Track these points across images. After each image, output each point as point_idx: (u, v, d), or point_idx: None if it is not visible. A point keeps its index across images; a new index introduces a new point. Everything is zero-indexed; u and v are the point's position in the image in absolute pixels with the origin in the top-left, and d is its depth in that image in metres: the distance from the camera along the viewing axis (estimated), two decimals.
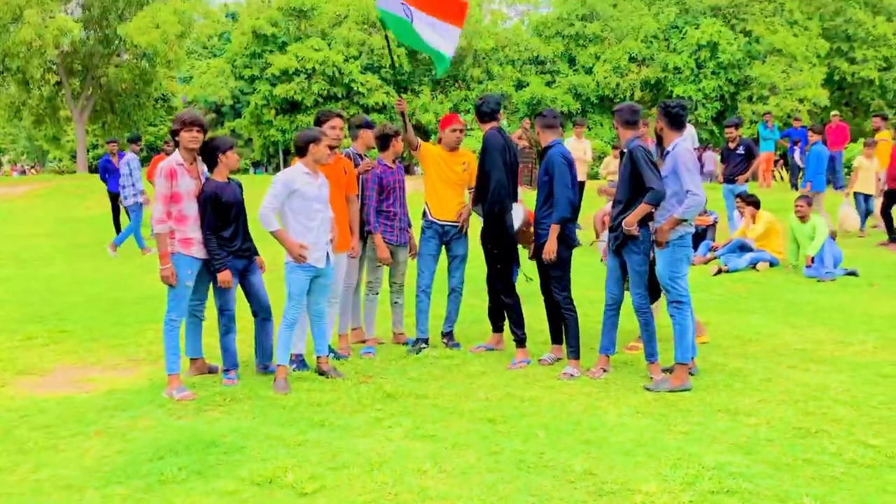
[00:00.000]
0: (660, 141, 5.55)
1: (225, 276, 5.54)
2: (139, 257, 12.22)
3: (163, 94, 36.27)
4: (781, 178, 22.41)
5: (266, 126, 33.43)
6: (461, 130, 6.40)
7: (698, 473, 3.88)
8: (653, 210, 5.38)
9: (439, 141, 6.54)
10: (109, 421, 4.89)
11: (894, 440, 4.32)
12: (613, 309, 5.70)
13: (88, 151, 30.04)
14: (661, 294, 5.84)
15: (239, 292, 5.79)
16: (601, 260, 5.92)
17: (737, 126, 11.76)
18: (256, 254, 5.81)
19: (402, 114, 6.51)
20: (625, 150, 5.50)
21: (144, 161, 24.90)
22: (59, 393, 5.53)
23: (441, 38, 6.53)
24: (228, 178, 5.68)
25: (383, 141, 6.52)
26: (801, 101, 31.55)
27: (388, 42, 7.00)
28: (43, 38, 26.00)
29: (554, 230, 5.73)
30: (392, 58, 6.95)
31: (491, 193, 5.96)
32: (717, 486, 3.75)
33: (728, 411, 4.86)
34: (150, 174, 13.30)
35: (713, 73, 32.27)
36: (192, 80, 48.01)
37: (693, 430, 4.54)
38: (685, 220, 5.36)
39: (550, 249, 5.75)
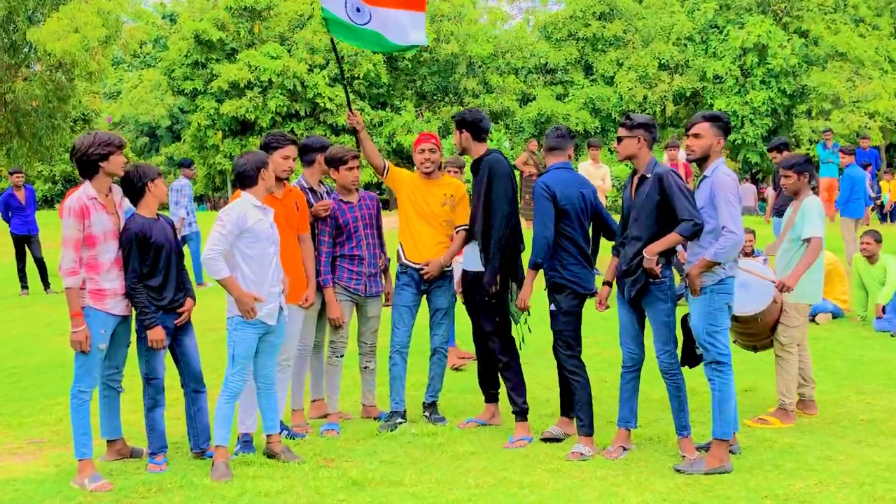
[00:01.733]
0: (700, 161, 5.63)
1: (156, 335, 5.59)
2: (45, 315, 12.21)
3: (83, 114, 36.48)
4: None
5: (211, 151, 33.62)
6: (431, 150, 6.47)
7: None
8: (682, 243, 5.48)
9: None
10: None
11: None
12: (633, 371, 5.75)
13: None
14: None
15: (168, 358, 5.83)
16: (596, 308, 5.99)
17: (781, 149, 11.90)
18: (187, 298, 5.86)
19: (355, 130, 6.60)
20: (647, 175, 5.57)
21: (61, 195, 24.86)
22: None
23: (409, 29, 6.75)
24: (157, 215, 5.75)
25: (326, 161, 6.62)
26: (871, 115, 31.96)
27: (332, 44, 7.22)
28: None
29: (529, 276, 5.87)
30: (337, 55, 7.14)
31: (497, 230, 6.04)
32: None
33: (777, 498, 4.91)
34: (62, 210, 13.44)
35: (762, 82, 32.71)
36: (120, 96, 48.51)
37: None
38: (719, 263, 5.43)
39: (523, 297, 5.91)
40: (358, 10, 6.66)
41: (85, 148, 5.47)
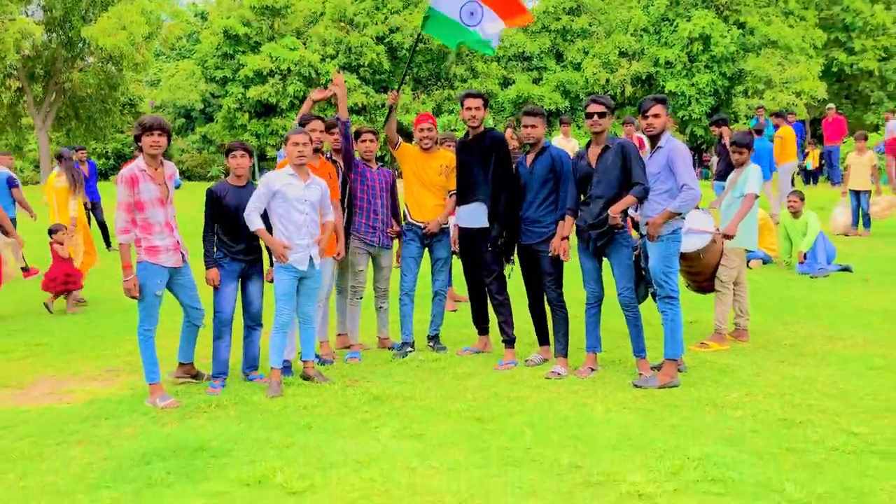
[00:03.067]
0: (653, 138, 5.83)
1: (211, 275, 5.85)
2: (110, 268, 12.37)
3: (130, 99, 36.37)
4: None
5: (240, 130, 33.58)
6: (429, 129, 6.68)
7: (683, 464, 4.16)
8: (636, 204, 5.71)
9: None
10: (92, 430, 5.11)
11: (878, 428, 4.62)
12: (596, 306, 6.01)
13: (52, 161, 30.09)
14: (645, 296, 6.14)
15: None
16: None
17: (720, 123, 12.07)
18: (263, 262, 6.11)
19: (391, 108, 6.77)
20: (609, 146, 5.80)
21: (114, 169, 24.91)
22: (40, 404, 5.74)
23: (490, 29, 6.82)
24: (248, 183, 6.04)
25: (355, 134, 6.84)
26: (797, 94, 32.05)
27: (416, 41, 7.47)
28: (3, 42, 26.12)
29: (569, 222, 6.02)
30: (413, 51, 7.37)
31: (505, 195, 6.24)
32: (702, 475, 4.03)
33: (715, 405, 5.16)
34: None
35: (706, 66, 32.71)
36: (160, 84, 48.13)
37: (680, 423, 4.83)
38: (679, 214, 5.65)
39: (560, 246, 6.00)
40: (472, 13, 6.77)
41: (134, 129, 5.71)
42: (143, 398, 5.66)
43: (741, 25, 33.59)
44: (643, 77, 33.72)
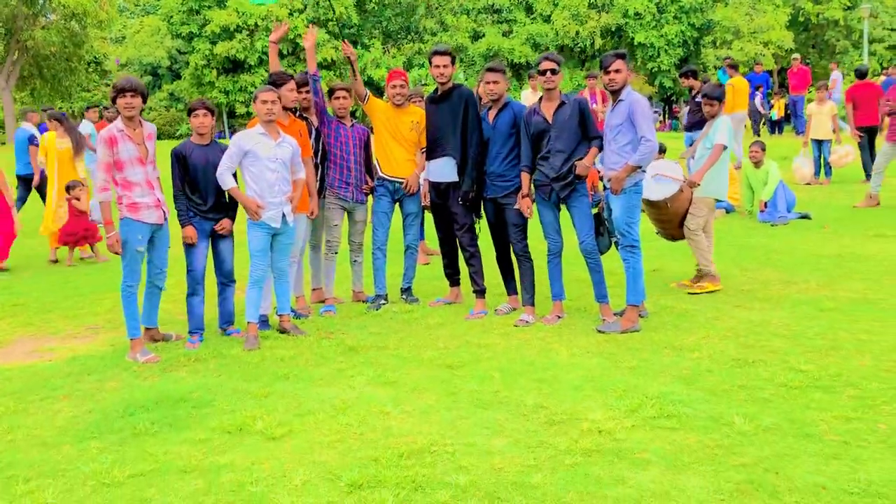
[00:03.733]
0: (614, 92, 6.01)
1: (187, 232, 5.97)
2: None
3: (95, 57, 35.78)
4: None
5: (208, 87, 33.24)
6: (401, 86, 6.79)
7: (641, 402, 4.42)
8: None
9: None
10: (76, 385, 5.27)
11: (823, 366, 4.91)
12: (558, 256, 6.26)
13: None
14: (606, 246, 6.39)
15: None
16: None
17: (688, 75, 12.23)
18: (228, 217, 6.21)
19: (350, 60, 6.80)
20: (564, 102, 6.00)
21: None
22: (22, 362, 5.88)
23: None
24: (212, 141, 6.12)
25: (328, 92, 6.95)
26: (765, 44, 32.27)
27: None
28: None
29: (526, 179, 6.20)
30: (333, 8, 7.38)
31: (473, 149, 6.40)
32: (658, 411, 4.29)
33: (673, 348, 5.42)
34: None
35: (675, 17, 32.80)
36: (125, 41, 47.30)
37: (640, 365, 5.09)
38: (640, 168, 5.86)
39: (524, 203, 6.20)
40: None
41: (110, 91, 5.80)
42: (124, 354, 5.82)
43: None
44: (613, 29, 33.72)
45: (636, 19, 33.16)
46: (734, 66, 14.32)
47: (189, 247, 6.07)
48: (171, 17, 33.86)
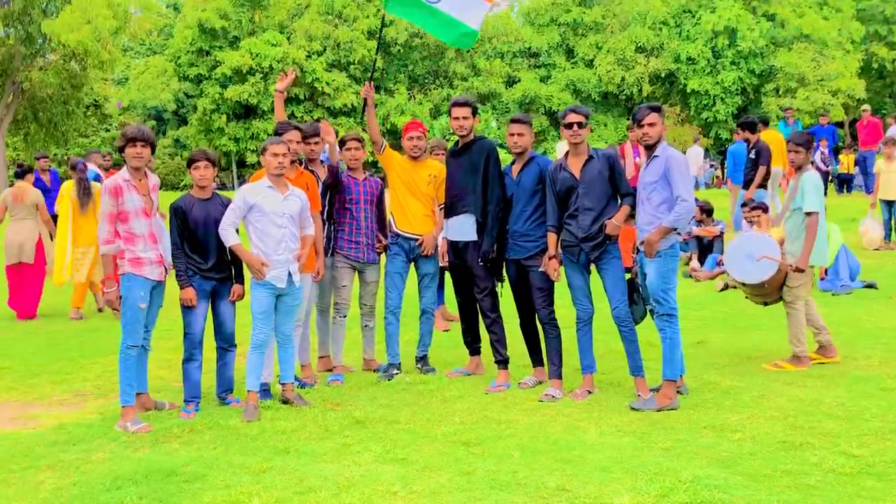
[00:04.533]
0: (648, 147, 6.24)
1: (187, 294, 6.21)
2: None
3: (94, 100, 36.90)
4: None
5: (216, 134, 34.05)
6: (418, 138, 7.09)
7: (673, 486, 4.52)
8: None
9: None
10: (61, 455, 5.46)
11: (878, 450, 4.98)
12: (589, 324, 6.42)
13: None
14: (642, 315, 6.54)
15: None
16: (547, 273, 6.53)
17: (744, 127, 12.48)
18: (234, 280, 6.45)
19: (366, 102, 7.10)
20: (593, 156, 6.24)
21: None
22: (5, 429, 6.10)
23: (474, 9, 7.24)
24: (214, 195, 6.41)
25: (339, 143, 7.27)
26: (834, 93, 32.51)
27: (382, 23, 7.87)
28: None
29: (553, 239, 6.41)
30: (381, 32, 7.71)
31: (495, 206, 6.66)
32: (692, 497, 4.39)
33: (714, 428, 5.51)
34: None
35: (733, 63, 33.23)
36: (128, 82, 48.73)
37: (674, 446, 5.19)
38: (675, 230, 6.05)
39: (550, 265, 6.40)
40: None
41: (117, 140, 6.14)
42: (114, 422, 6.01)
43: (771, 17, 34.11)
44: (662, 74, 34.21)
45: (689, 64, 33.65)
46: (764, 122, 14.67)
47: (187, 308, 6.31)
48: (179, 57, 34.92)
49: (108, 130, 44.18)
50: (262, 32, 33.67)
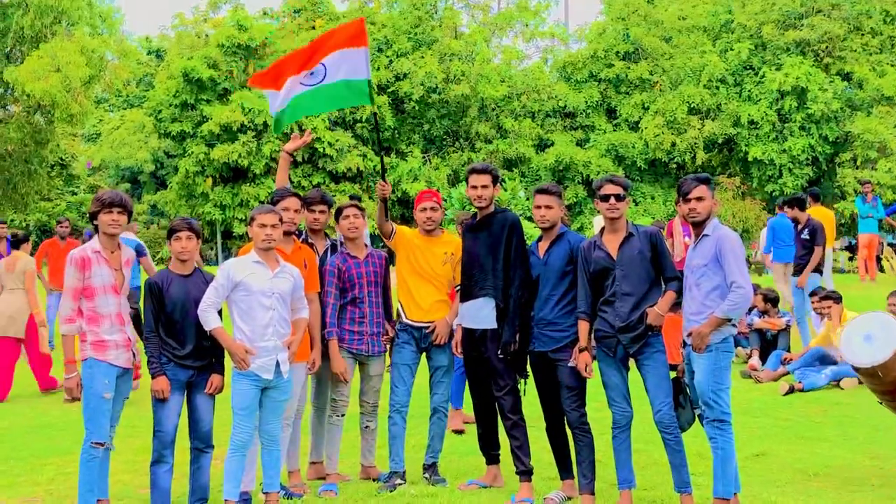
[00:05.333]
0: (696, 225, 6.36)
1: (159, 384, 6.28)
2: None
3: (61, 158, 37.52)
4: (892, 267, 23.25)
5: (200, 200, 34.35)
6: (432, 209, 7.24)
7: None
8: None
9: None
10: None
11: None
12: (626, 430, 6.46)
13: None
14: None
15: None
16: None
17: (793, 205, 12.67)
18: (213, 370, 6.52)
19: (383, 200, 7.34)
20: (632, 233, 6.36)
21: (35, 246, 25.62)
22: None
23: (360, 64, 7.58)
24: (195, 271, 6.54)
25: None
26: None
27: (376, 122, 8.21)
28: None
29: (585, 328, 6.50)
30: (376, 120, 7.98)
31: (518, 290, 6.77)
32: None
33: None
34: (38, 263, 14.33)
35: (802, 128, 33.47)
36: (100, 139, 49.61)
37: None
38: (729, 320, 6.13)
39: (581, 359, 6.48)
40: (312, 73, 7.60)
41: (91, 205, 6.33)
42: None
43: (847, 77, 34.48)
44: (720, 140, 34.48)
45: (751, 129, 33.91)
46: (815, 197, 15.08)
47: (158, 402, 6.38)
48: (160, 111, 35.44)
49: (74, 194, 44.80)
50: None
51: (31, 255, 14.61)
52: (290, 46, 35.37)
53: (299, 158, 33.42)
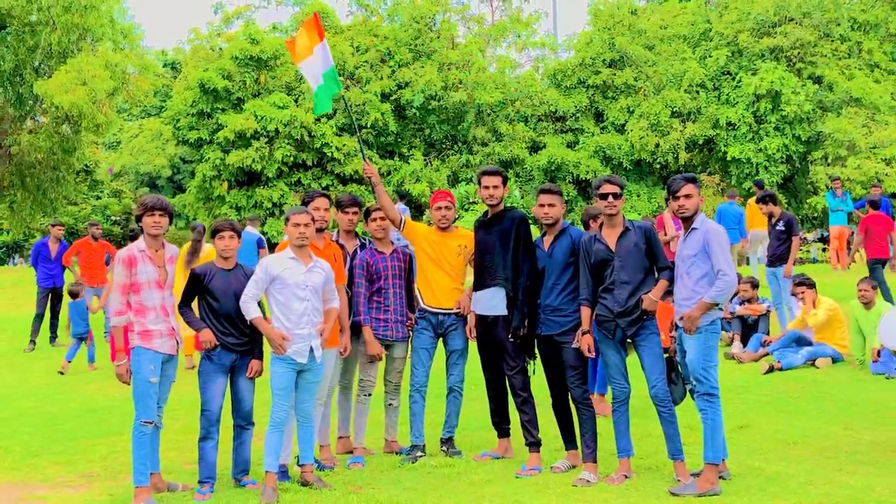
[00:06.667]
0: (685, 219, 6.67)
1: (206, 335, 6.63)
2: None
3: (85, 165, 37.77)
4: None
5: (216, 202, 34.59)
6: (447, 208, 7.54)
7: None
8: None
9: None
10: None
11: None
12: (625, 404, 6.77)
13: None
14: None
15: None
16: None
17: (766, 200, 12.97)
18: (253, 356, 6.83)
19: (371, 180, 7.63)
20: (629, 228, 6.66)
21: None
22: None
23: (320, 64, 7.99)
24: (237, 266, 6.86)
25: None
26: (887, 161, 32.93)
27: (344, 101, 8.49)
28: None
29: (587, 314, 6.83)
30: (348, 108, 8.39)
31: (526, 280, 7.10)
32: None
33: None
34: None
35: (776, 129, 33.71)
36: (120, 146, 49.84)
37: None
38: (717, 305, 6.44)
39: (584, 341, 6.82)
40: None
41: (136, 208, 6.62)
42: None
43: (817, 80, 34.72)
44: (700, 141, 34.73)
45: (729, 130, 34.17)
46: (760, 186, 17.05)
47: (205, 383, 6.70)
48: (178, 120, 35.71)
49: (98, 198, 45.09)
50: (268, 94, 34.49)
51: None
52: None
53: (309, 162, 33.74)
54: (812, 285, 11.59)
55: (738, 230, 16.30)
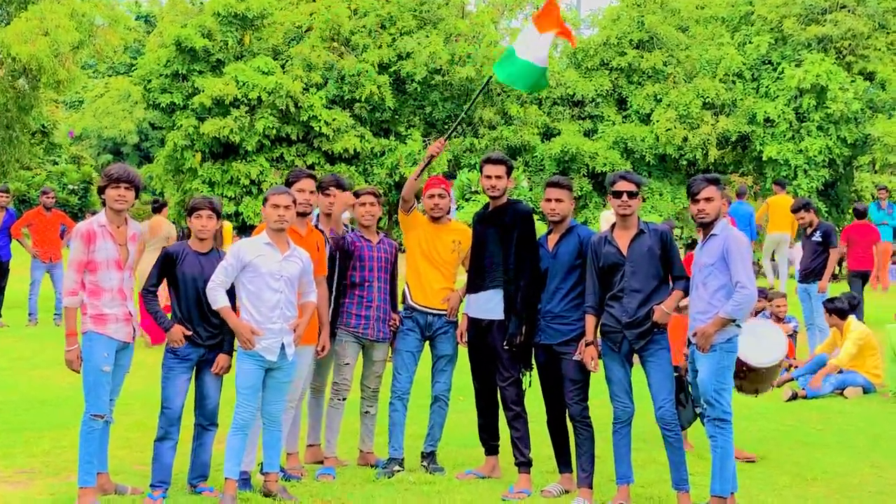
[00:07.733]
0: (705, 225, 6.76)
1: (176, 333, 6.70)
2: (13, 348, 13.25)
3: (42, 125, 37.72)
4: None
5: (187, 176, 34.45)
6: (440, 196, 7.61)
7: None
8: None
9: None
10: None
11: None
12: (627, 425, 6.85)
13: None
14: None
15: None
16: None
17: (805, 208, 13.01)
18: (222, 350, 6.90)
19: (430, 159, 7.69)
20: (643, 230, 6.74)
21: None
22: None
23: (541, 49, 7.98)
24: (212, 250, 6.93)
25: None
26: None
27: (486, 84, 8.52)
28: None
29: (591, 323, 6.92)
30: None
31: (526, 283, 7.17)
32: None
33: None
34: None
35: (820, 128, 33.69)
36: (83, 106, 49.73)
37: None
38: (734, 321, 6.53)
39: (588, 353, 6.91)
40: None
41: (99, 180, 6.70)
42: None
43: (869, 77, 34.67)
44: (734, 137, 34.72)
45: (766, 127, 34.15)
46: (779, 184, 17.95)
47: (167, 379, 6.77)
48: (149, 81, 35.45)
49: (55, 163, 45.04)
50: (252, 57, 34.34)
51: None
52: (290, 19, 35.65)
53: (294, 136, 33.65)
54: (838, 312, 11.49)
55: (748, 231, 16.57)
